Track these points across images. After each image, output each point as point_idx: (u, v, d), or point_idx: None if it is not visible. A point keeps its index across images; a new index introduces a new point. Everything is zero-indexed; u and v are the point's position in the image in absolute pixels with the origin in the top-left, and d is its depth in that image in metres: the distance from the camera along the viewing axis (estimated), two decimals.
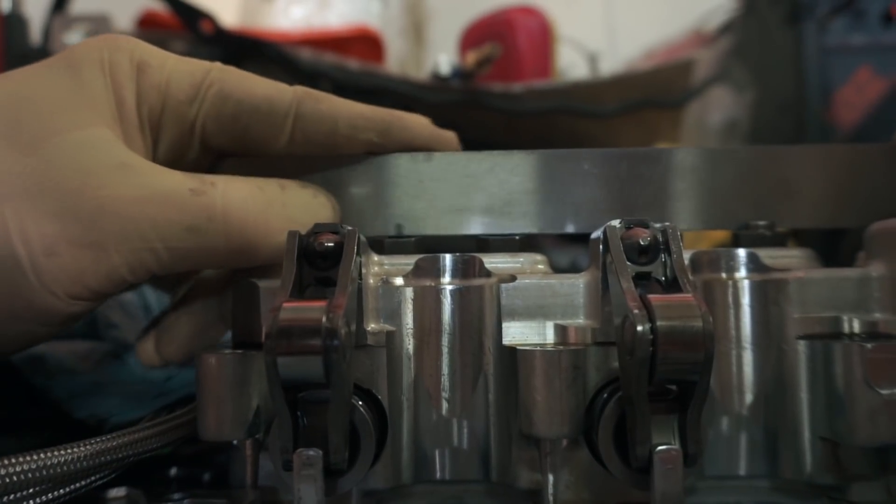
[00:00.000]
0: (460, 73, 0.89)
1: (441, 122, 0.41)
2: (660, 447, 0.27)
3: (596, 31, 1.44)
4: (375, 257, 0.35)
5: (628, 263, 0.31)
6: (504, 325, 0.34)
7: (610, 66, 1.30)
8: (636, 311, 0.27)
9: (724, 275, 0.34)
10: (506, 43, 0.97)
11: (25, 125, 0.32)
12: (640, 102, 0.93)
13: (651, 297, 0.28)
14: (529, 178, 0.40)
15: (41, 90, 0.33)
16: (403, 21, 1.15)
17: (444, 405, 0.33)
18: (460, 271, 0.34)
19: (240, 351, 0.31)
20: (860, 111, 0.99)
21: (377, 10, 1.11)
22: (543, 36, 1.00)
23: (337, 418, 0.28)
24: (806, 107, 1.00)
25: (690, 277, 0.30)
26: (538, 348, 0.31)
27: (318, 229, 0.32)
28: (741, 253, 0.34)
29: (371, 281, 0.34)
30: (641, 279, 0.31)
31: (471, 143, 0.42)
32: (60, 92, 0.33)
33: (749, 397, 0.33)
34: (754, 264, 0.34)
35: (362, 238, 0.34)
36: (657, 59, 1.13)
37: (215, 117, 0.36)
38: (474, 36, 1.04)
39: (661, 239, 0.31)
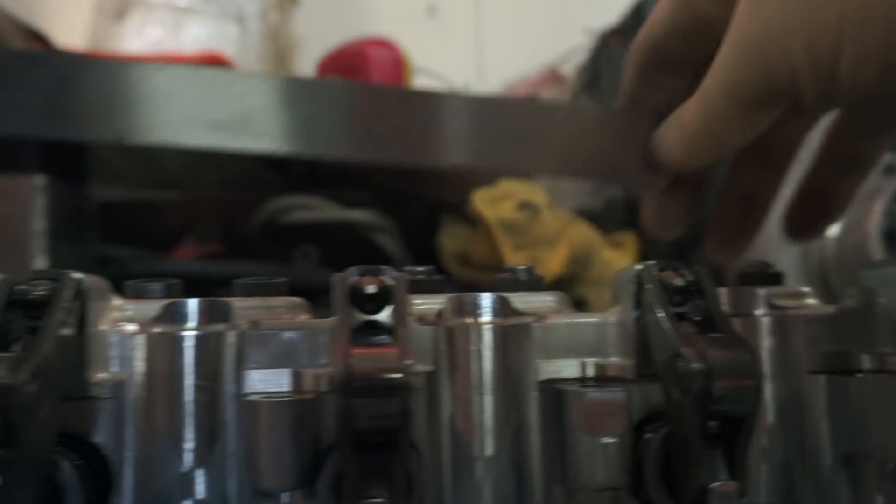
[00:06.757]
0: None
1: None
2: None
3: (467, 64, 1.47)
4: (117, 301, 0.34)
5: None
6: (248, 373, 0.33)
7: None
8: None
9: (469, 319, 0.34)
10: (358, 74, 0.98)
11: None
12: None
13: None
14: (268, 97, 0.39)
15: None
16: (263, 48, 1.13)
17: (181, 457, 0.32)
18: (203, 317, 0.33)
19: None
20: None
21: (234, 36, 1.08)
22: (397, 68, 1.01)
23: (21, 482, 0.26)
24: None
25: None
26: (266, 398, 0.31)
27: (36, 276, 0.31)
28: (487, 298, 0.35)
29: (105, 327, 0.32)
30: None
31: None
32: None
33: (493, 443, 0.34)
34: (502, 309, 0.35)
35: (98, 284, 0.32)
36: (515, 94, 1.16)
37: None
38: (329, 67, 1.04)
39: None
